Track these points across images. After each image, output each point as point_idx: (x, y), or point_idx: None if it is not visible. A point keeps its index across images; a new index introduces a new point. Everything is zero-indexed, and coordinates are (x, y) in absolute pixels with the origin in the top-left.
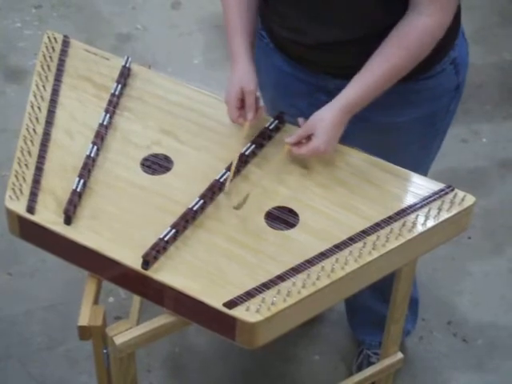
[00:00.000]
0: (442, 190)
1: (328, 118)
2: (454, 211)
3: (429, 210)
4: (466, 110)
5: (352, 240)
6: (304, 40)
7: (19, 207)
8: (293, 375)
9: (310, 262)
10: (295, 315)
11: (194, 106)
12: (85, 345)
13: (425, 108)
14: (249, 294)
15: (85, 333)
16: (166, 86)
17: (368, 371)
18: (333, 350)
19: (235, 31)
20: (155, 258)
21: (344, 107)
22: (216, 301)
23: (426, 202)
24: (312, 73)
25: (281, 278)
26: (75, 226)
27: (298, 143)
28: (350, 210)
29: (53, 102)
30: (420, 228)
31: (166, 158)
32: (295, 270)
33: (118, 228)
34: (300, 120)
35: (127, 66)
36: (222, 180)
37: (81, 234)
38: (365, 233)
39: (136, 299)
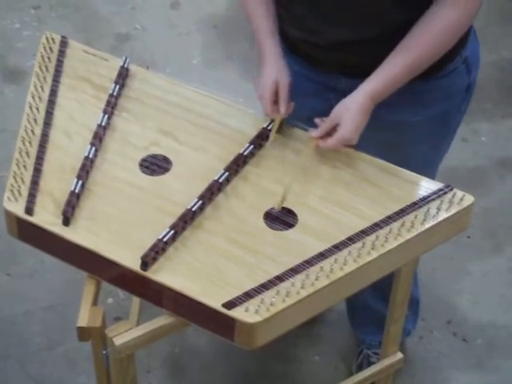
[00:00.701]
0: (440, 190)
1: (354, 106)
2: (453, 211)
3: (428, 210)
4: None
5: (351, 240)
6: (317, 40)
7: (17, 208)
8: (293, 375)
9: (309, 263)
10: (294, 316)
11: (193, 106)
12: (84, 345)
13: (437, 107)
14: (248, 295)
15: (84, 334)
16: (164, 86)
17: (368, 371)
18: (333, 350)
19: (264, 31)
20: (154, 259)
21: (369, 95)
22: (215, 301)
23: (424, 201)
24: (323, 72)
25: (280, 278)
26: (74, 227)
27: (324, 136)
28: (348, 210)
29: (51, 103)
30: (419, 228)
31: (165, 159)
32: (294, 271)
33: (116, 229)
34: (317, 120)
35: (125, 66)
36: (220, 180)
37: (79, 235)
38: (364, 233)
39: (135, 300)
